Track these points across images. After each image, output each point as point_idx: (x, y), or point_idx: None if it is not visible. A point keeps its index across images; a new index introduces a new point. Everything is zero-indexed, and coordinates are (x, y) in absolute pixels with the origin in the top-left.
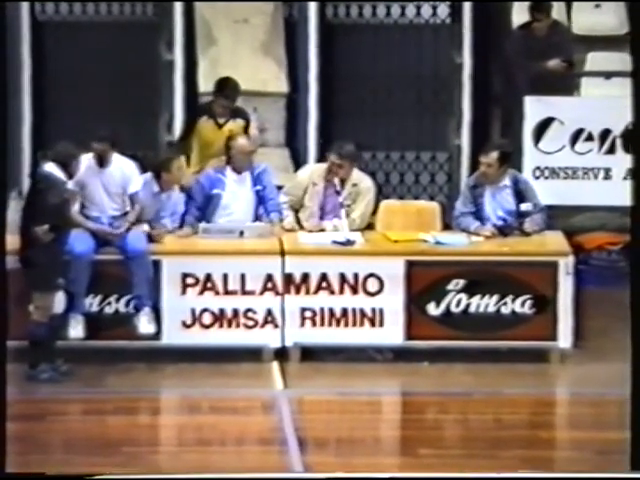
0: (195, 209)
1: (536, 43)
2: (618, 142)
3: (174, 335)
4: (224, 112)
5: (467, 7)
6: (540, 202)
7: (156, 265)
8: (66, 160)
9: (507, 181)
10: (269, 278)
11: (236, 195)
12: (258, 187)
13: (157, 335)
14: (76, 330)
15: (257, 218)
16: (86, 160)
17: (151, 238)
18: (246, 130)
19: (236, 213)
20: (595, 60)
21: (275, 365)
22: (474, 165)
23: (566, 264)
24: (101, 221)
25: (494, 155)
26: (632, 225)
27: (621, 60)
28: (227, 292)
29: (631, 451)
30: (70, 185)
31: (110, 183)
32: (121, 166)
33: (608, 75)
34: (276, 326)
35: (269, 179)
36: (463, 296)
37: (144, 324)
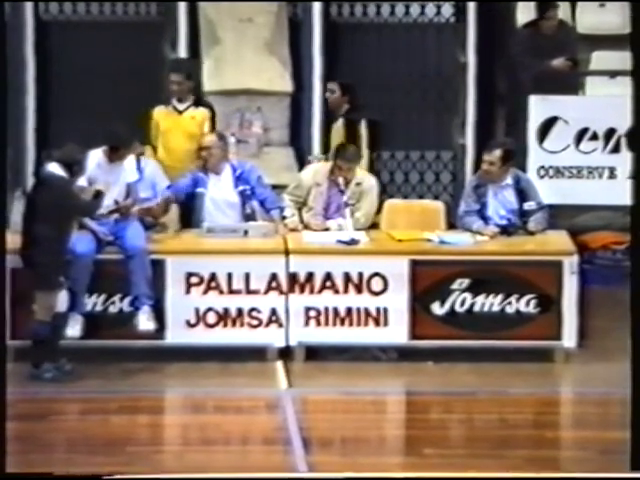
0: (179, 192)
1: (541, 42)
2: (623, 141)
3: (178, 334)
4: (181, 92)
5: (471, 6)
6: (542, 200)
7: (160, 264)
8: (71, 162)
9: (509, 180)
10: (273, 277)
11: (215, 196)
12: (242, 187)
13: (161, 334)
14: (74, 329)
15: (247, 218)
16: (95, 157)
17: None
18: (212, 121)
19: (217, 214)
20: (600, 59)
21: (279, 364)
22: (478, 164)
23: (571, 263)
24: (106, 219)
25: (497, 153)
26: (633, 225)
27: (625, 59)
28: (231, 291)
29: (631, 451)
30: (80, 182)
31: (119, 178)
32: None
33: (613, 74)
34: (280, 325)
35: (256, 177)
36: (467, 295)
37: (143, 321)
